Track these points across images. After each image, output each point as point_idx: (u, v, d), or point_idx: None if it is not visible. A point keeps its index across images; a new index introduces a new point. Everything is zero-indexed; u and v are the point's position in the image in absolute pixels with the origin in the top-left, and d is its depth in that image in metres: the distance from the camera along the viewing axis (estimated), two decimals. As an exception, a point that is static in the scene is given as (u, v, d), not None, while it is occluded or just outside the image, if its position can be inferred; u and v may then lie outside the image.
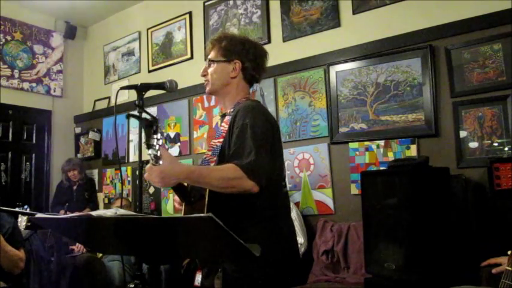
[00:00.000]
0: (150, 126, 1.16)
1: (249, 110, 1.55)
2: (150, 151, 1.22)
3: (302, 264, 3.09)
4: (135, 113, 1.16)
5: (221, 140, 1.59)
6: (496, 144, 2.69)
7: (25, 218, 2.23)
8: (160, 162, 1.28)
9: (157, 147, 1.22)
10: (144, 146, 1.25)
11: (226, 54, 1.68)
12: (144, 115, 1.13)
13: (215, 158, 1.57)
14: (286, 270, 1.54)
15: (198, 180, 1.43)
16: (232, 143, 1.52)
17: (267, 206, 1.54)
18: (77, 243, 3.78)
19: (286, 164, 3.54)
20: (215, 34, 1.86)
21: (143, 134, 1.17)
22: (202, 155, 1.73)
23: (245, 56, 1.68)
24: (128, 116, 1.31)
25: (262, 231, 1.50)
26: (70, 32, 5.46)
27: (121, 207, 1.85)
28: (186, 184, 1.61)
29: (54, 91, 5.30)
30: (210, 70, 1.70)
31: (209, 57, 1.72)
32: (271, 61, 1.76)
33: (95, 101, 5.43)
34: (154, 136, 1.19)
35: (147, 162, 1.38)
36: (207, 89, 1.72)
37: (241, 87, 1.71)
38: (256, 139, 1.47)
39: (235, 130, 1.52)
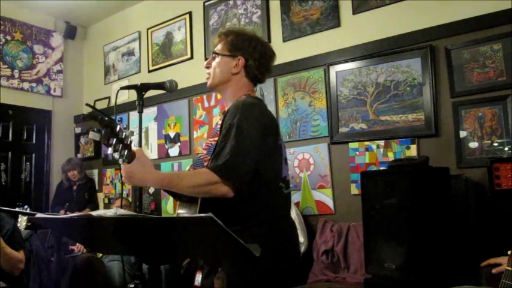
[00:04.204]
0: (107, 127, 1.14)
1: (238, 108, 1.50)
2: (115, 155, 1.22)
3: (302, 264, 3.09)
4: (105, 116, 1.14)
5: (216, 138, 1.56)
6: (496, 144, 2.69)
7: (25, 218, 2.23)
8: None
9: (131, 145, 1.23)
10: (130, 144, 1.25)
11: (231, 49, 1.65)
12: (100, 116, 1.11)
13: (209, 157, 1.54)
14: (284, 272, 1.51)
15: (169, 188, 1.43)
16: (217, 144, 1.49)
17: (263, 208, 1.50)
18: (77, 243, 3.78)
19: (286, 164, 3.54)
20: (225, 27, 1.83)
21: (103, 135, 1.16)
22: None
23: (250, 53, 1.63)
24: (85, 118, 1.32)
25: (260, 232, 1.46)
26: (70, 32, 5.45)
27: (121, 207, 1.85)
28: None
29: (54, 91, 5.30)
30: (213, 63, 1.68)
31: (215, 49, 1.69)
32: (271, 61, 1.75)
33: (95, 101, 5.42)
34: (115, 137, 1.17)
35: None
36: (208, 83, 1.70)
37: (243, 85, 1.65)
38: (239, 140, 1.42)
39: (222, 130, 1.49)
